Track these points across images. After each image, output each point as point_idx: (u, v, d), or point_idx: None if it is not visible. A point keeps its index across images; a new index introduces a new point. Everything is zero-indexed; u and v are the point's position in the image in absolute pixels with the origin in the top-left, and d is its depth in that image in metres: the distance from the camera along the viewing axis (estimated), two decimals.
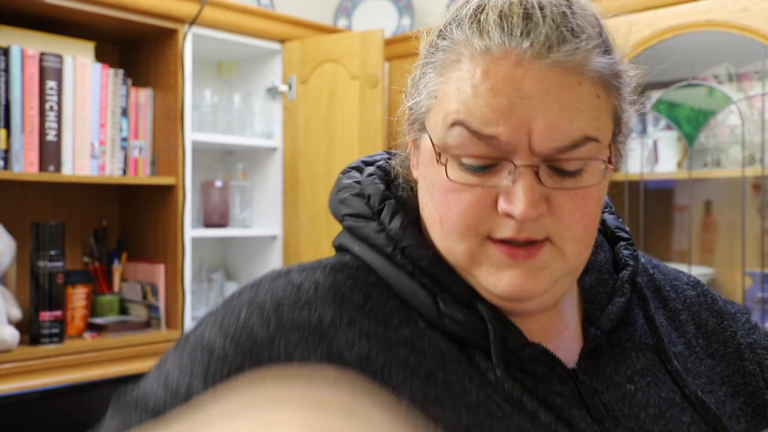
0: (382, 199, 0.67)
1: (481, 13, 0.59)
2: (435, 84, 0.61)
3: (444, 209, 0.61)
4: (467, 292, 0.63)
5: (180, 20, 2.13)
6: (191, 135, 2.18)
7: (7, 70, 1.88)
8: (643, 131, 2.07)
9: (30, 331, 1.91)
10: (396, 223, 0.65)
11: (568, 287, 0.66)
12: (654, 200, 2.09)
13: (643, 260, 0.79)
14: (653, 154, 2.06)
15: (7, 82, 1.88)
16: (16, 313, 1.91)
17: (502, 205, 0.59)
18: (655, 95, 2.02)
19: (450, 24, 0.62)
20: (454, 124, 0.58)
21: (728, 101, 1.92)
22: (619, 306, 0.69)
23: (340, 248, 0.70)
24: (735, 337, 0.74)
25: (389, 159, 0.74)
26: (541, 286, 0.61)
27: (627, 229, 0.76)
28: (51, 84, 1.94)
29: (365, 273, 0.65)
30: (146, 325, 2.15)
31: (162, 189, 2.18)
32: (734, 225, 2.03)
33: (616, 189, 1.74)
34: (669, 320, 0.73)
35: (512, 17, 0.57)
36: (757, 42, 1.74)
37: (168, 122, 2.17)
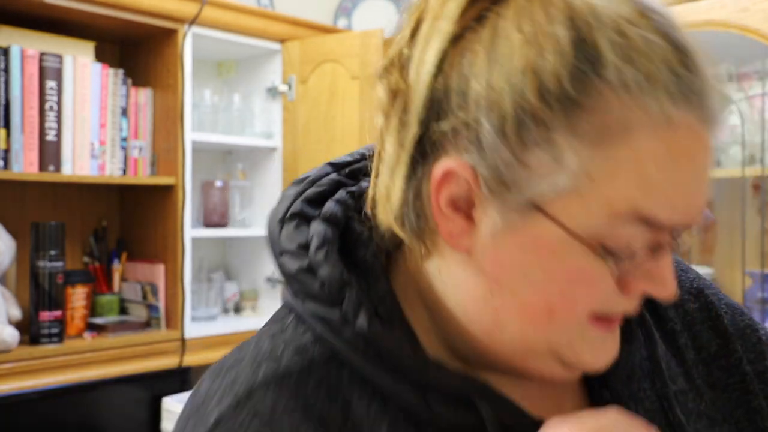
0: (341, 286, 0.52)
1: (642, 64, 0.45)
2: (587, 159, 0.45)
3: (563, 300, 0.49)
4: (466, 386, 0.52)
5: (180, 20, 2.13)
6: (191, 135, 2.18)
7: (7, 70, 1.88)
8: None
9: (30, 331, 1.91)
10: (363, 322, 0.51)
11: None
12: None
13: None
14: None
15: (7, 82, 1.88)
16: (16, 313, 1.91)
17: (642, 287, 0.50)
18: None
19: (591, 69, 0.45)
20: (632, 218, 0.46)
21: (728, 101, 1.92)
22: (627, 357, 0.59)
23: (292, 312, 0.56)
24: (740, 364, 0.64)
25: (352, 191, 0.58)
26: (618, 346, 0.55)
27: None
28: (51, 84, 1.94)
29: (336, 368, 0.52)
30: (146, 325, 2.16)
31: (162, 189, 2.18)
32: (734, 225, 2.03)
33: None
34: (667, 343, 0.63)
35: (682, 74, 0.46)
36: (757, 42, 1.74)
37: (168, 122, 2.17)
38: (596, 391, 0.59)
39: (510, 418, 0.52)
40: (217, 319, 2.40)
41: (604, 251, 0.47)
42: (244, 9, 2.26)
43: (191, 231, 2.18)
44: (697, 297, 0.66)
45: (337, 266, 0.53)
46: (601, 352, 0.52)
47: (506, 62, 0.46)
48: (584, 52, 0.45)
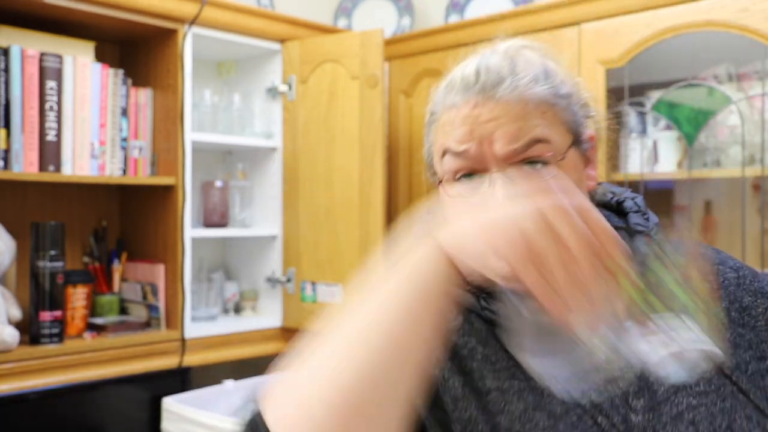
0: None
1: (452, 81, 0.84)
2: (432, 133, 0.87)
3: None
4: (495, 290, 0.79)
5: (180, 20, 2.13)
6: (191, 135, 2.18)
7: (7, 70, 1.88)
8: (643, 131, 2.07)
9: (30, 331, 1.91)
10: None
11: None
12: (654, 200, 2.09)
13: None
14: (653, 154, 2.06)
15: (7, 82, 1.88)
16: (16, 313, 1.91)
17: None
18: (655, 95, 2.02)
19: (433, 101, 0.87)
20: (443, 153, 0.82)
21: (728, 101, 1.92)
22: None
23: None
24: (766, 313, 0.85)
25: None
26: None
27: (650, 223, 0.88)
28: (51, 84, 1.94)
29: (463, 311, 0.88)
30: (146, 325, 2.16)
31: (162, 189, 2.18)
32: (734, 225, 2.03)
33: None
34: None
35: (469, 78, 0.81)
36: (757, 42, 1.74)
37: (168, 122, 2.17)
38: None
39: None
40: (217, 319, 2.39)
41: (452, 182, 0.82)
42: (244, 9, 2.26)
43: (191, 231, 2.18)
44: (737, 270, 0.89)
45: None
46: None
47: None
48: (433, 96, 0.88)
